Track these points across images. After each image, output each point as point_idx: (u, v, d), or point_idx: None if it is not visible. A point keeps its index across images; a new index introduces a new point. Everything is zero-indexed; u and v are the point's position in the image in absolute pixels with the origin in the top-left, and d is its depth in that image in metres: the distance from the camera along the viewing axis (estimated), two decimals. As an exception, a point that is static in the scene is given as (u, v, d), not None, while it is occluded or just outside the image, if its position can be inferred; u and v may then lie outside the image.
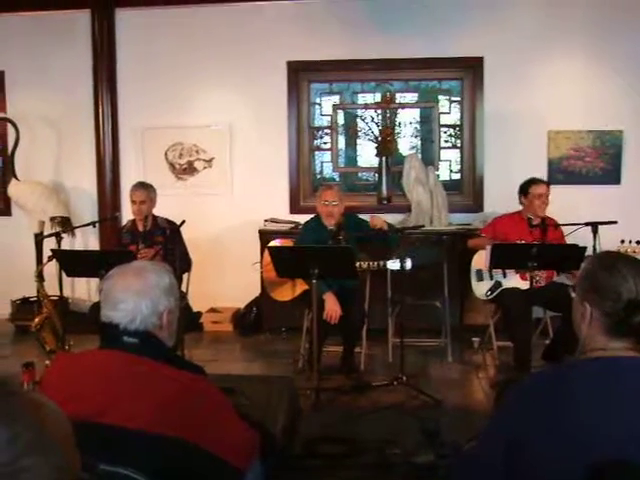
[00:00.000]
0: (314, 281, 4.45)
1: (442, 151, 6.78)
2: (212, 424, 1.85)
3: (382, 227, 5.02)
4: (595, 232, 4.62)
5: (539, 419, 1.58)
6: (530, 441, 1.58)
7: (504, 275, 5.18)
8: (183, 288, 5.14)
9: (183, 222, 5.02)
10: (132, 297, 1.91)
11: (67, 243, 6.02)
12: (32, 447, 0.96)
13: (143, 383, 1.81)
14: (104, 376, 1.84)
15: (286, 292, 5.26)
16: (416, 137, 6.86)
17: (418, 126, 6.86)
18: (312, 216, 5.27)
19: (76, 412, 1.71)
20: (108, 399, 1.79)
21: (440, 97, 6.83)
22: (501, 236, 5.20)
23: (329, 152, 6.91)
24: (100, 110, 6.66)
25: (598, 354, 1.68)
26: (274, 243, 5.53)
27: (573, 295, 1.83)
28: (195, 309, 6.24)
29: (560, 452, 1.54)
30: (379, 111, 6.59)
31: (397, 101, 6.68)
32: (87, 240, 6.76)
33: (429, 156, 6.75)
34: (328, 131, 6.87)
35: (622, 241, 4.70)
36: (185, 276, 5.28)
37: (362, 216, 5.39)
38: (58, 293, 5.05)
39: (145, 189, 5.32)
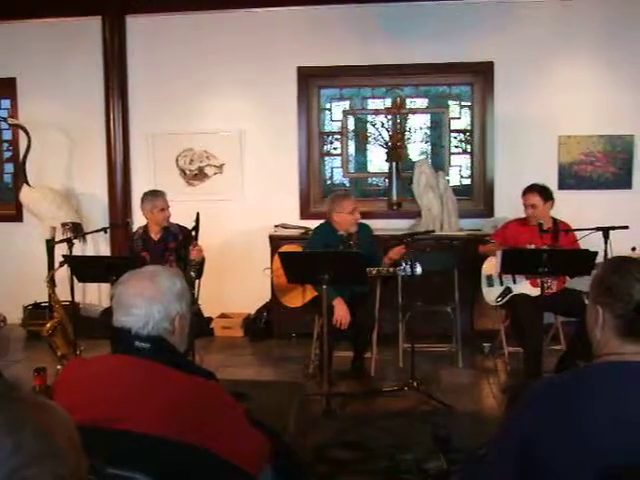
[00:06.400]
0: (324, 287, 4.45)
1: (452, 156, 6.78)
2: (224, 429, 1.85)
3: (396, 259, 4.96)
4: (606, 237, 4.59)
5: (552, 422, 1.58)
6: (543, 444, 1.58)
7: (514, 281, 5.16)
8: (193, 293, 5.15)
9: (194, 228, 5.03)
10: (144, 302, 1.91)
11: (78, 249, 6.04)
12: (36, 457, 0.94)
13: (155, 388, 1.81)
14: (116, 381, 1.84)
15: (296, 298, 5.25)
16: (426, 142, 6.85)
17: (428, 131, 6.85)
18: (322, 221, 5.27)
19: (88, 417, 1.72)
20: (120, 404, 1.79)
21: (450, 102, 6.82)
22: (512, 241, 5.19)
23: (339, 157, 6.91)
24: (111, 116, 6.69)
25: (611, 358, 1.68)
26: (286, 247, 5.54)
27: (587, 302, 1.84)
28: (206, 314, 6.25)
29: (572, 456, 1.54)
30: (389, 116, 6.58)
31: (407, 106, 6.67)
32: (98, 246, 6.79)
33: (439, 161, 6.74)
34: (338, 136, 6.88)
35: (633, 248, 4.67)
36: (196, 282, 5.29)
37: (373, 224, 5.43)
38: (69, 298, 5.07)
39: (163, 195, 5.34)
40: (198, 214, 4.93)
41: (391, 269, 4.84)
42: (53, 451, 0.96)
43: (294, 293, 5.25)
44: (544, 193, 5.16)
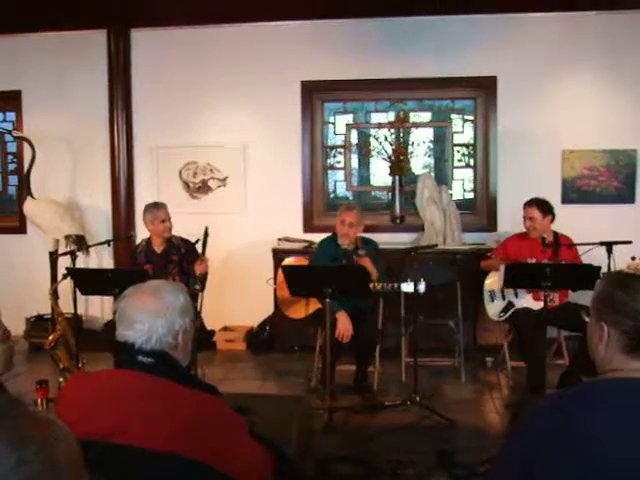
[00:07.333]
0: (327, 300, 4.44)
1: (455, 170, 6.78)
2: (226, 445, 1.84)
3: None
4: (609, 252, 4.59)
5: (554, 439, 1.57)
6: (545, 461, 1.57)
7: (516, 295, 5.16)
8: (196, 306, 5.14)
9: (197, 241, 5.03)
10: (148, 317, 1.91)
11: (81, 261, 6.04)
12: (37, 474, 0.93)
13: (158, 403, 1.81)
14: (119, 396, 1.84)
15: (299, 310, 5.25)
16: (429, 156, 6.86)
17: (431, 145, 6.85)
18: (327, 235, 5.28)
19: (91, 432, 1.72)
20: (123, 419, 1.78)
21: (453, 116, 6.83)
22: (512, 255, 5.19)
23: (342, 171, 6.92)
24: (115, 129, 6.71)
25: (616, 375, 1.67)
26: (289, 261, 5.54)
27: (586, 319, 1.82)
28: (208, 327, 6.24)
29: (575, 473, 1.53)
30: (392, 130, 6.60)
31: (410, 120, 6.69)
32: (101, 258, 6.79)
33: (442, 175, 6.75)
34: (341, 150, 6.89)
35: (633, 258, 4.67)
36: (198, 295, 5.29)
37: (376, 237, 5.44)
38: (72, 311, 5.06)
39: (165, 207, 5.34)
40: (207, 228, 4.91)
41: (395, 285, 4.81)
42: (54, 468, 0.96)
43: (297, 306, 5.26)
44: (543, 207, 5.18)
